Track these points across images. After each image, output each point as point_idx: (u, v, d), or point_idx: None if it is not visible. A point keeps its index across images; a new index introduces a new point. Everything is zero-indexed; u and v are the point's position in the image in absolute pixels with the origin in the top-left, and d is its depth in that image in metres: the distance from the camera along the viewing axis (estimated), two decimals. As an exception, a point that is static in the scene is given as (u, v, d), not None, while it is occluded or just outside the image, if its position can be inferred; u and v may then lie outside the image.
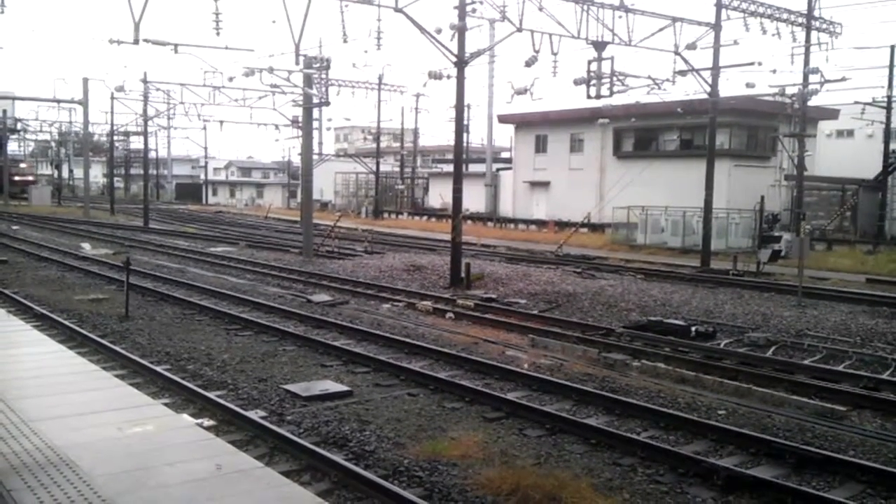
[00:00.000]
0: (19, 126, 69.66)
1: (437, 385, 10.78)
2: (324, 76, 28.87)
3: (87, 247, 30.36)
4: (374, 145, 60.40)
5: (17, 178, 69.33)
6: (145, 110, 44.64)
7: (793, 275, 22.19)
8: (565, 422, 9.14)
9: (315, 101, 29.44)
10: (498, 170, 55.75)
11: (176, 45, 26.86)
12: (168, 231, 41.56)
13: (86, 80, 52.03)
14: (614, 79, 24.91)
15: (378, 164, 59.11)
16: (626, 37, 24.16)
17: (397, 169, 66.87)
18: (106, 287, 19.86)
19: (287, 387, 10.50)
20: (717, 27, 26.81)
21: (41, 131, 73.17)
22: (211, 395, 9.85)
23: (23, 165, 76.43)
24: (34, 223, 43.99)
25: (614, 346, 13.84)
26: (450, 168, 47.11)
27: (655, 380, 11.64)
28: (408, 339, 13.70)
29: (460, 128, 22.90)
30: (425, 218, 54.36)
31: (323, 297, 19.01)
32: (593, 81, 24.59)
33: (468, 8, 21.53)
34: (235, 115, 67.67)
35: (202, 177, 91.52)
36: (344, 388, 10.52)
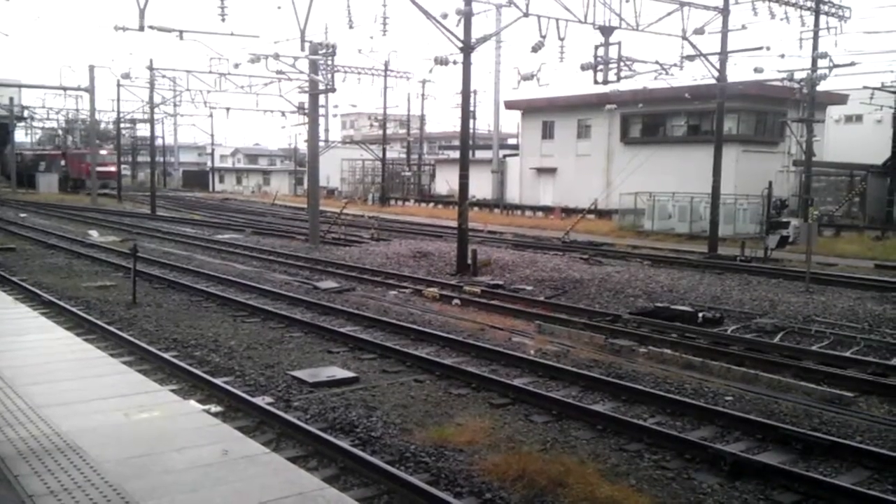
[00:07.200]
0: (26, 114, 69.63)
1: (443, 371, 10.78)
2: (329, 62, 28.76)
3: (94, 234, 30.45)
4: (381, 132, 60.25)
5: (97, 168, 57.60)
6: (151, 97, 44.65)
7: (801, 261, 22.11)
8: (572, 408, 9.14)
9: (321, 87, 29.36)
10: (505, 156, 55.59)
11: (181, 32, 26.81)
12: (175, 218, 41.62)
13: (92, 68, 52.07)
14: (621, 64, 24.78)
15: (384, 150, 59.03)
16: (634, 21, 24.00)
17: (404, 155, 66.78)
18: (113, 274, 19.92)
19: (294, 373, 10.52)
20: (725, 11, 26.61)
21: (48, 119, 73.18)
22: (218, 381, 9.87)
23: (103, 153, 66.30)
24: (42, 211, 44.13)
25: (621, 332, 13.81)
26: (456, 154, 47.10)
27: (662, 366, 11.63)
28: (414, 326, 13.70)
29: (466, 114, 22.79)
30: (432, 205, 54.32)
31: (329, 283, 19.03)
32: (600, 67, 24.46)
33: (474, -7, 21.39)
34: (241, 102, 67.93)
35: (209, 164, 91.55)
36: (350, 374, 10.54)
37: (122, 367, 8.26)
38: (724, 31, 26.68)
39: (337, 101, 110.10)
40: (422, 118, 69.28)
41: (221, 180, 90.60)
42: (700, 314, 14.87)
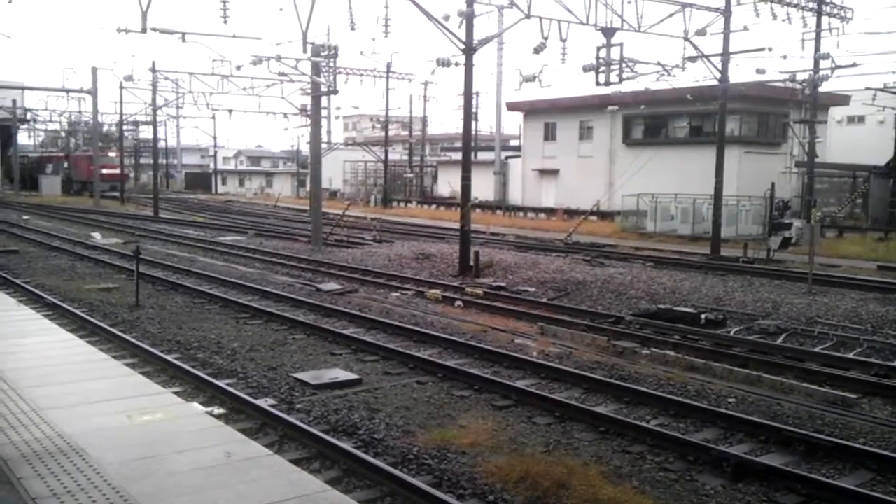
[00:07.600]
0: (29, 116, 69.71)
1: (446, 373, 10.78)
2: (332, 64, 28.76)
3: (97, 236, 30.47)
4: (383, 133, 60.30)
5: (103, 170, 56.29)
6: (154, 99, 44.67)
7: (803, 262, 22.08)
8: (574, 410, 9.13)
9: (323, 89, 29.37)
10: (507, 158, 55.57)
11: (183, 34, 26.85)
12: (178, 220, 41.65)
13: (94, 70, 52.20)
14: (623, 65, 24.73)
15: (386, 152, 59.03)
16: (636, 23, 23.98)
17: (406, 157, 66.80)
18: (116, 276, 19.94)
19: (296, 375, 10.53)
20: (727, 13, 26.60)
21: (51, 121, 73.19)
22: (221, 383, 9.88)
23: (112, 154, 64.88)
24: (44, 213, 44.19)
25: (623, 333, 13.80)
26: (458, 156, 47.07)
27: (665, 367, 11.62)
28: (417, 328, 13.70)
29: (469, 115, 22.80)
30: (434, 206, 54.31)
31: (332, 285, 19.03)
32: (602, 68, 24.42)
33: (476, -6, 21.38)
34: (244, 104, 67.86)
35: (211, 166, 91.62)
36: (353, 376, 10.54)
37: (125, 370, 8.27)
38: (726, 33, 26.67)
39: (339, 102, 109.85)
40: (424, 120, 69.29)
41: (224, 182, 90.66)
42: (703, 316, 14.85)
